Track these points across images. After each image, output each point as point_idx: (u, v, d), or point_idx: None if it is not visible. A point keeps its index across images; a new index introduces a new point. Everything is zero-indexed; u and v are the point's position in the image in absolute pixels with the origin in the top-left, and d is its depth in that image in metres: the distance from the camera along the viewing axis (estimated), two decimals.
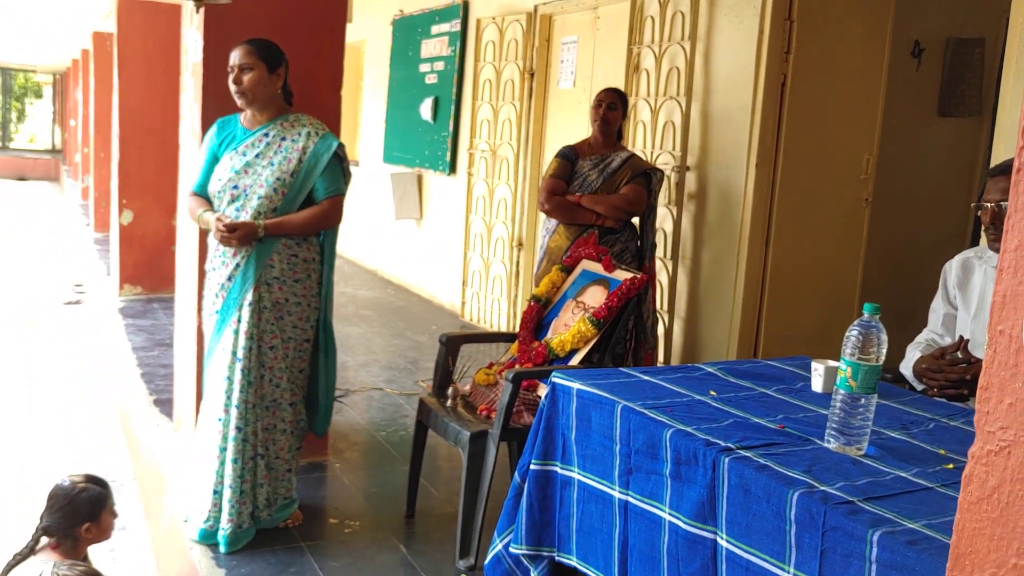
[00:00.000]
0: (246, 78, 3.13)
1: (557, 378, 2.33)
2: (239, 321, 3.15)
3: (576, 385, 2.26)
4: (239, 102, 3.17)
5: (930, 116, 5.43)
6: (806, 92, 4.49)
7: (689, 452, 1.88)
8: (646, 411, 2.06)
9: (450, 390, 3.34)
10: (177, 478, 3.66)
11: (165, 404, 4.56)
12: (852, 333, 1.86)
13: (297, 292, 3.22)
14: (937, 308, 2.85)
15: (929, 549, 1.42)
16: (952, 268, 2.82)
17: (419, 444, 3.44)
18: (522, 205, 6.46)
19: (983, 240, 3.37)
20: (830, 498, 1.60)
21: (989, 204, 2.51)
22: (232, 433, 3.14)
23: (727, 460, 1.79)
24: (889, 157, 4.94)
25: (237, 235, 3.07)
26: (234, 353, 3.15)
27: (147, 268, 7.39)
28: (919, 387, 2.64)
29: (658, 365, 4.98)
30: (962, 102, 5.44)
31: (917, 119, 5.34)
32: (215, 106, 3.46)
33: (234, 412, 3.14)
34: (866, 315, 1.87)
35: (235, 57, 3.14)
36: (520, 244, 6.49)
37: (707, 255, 4.79)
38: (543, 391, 3.21)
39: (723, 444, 1.85)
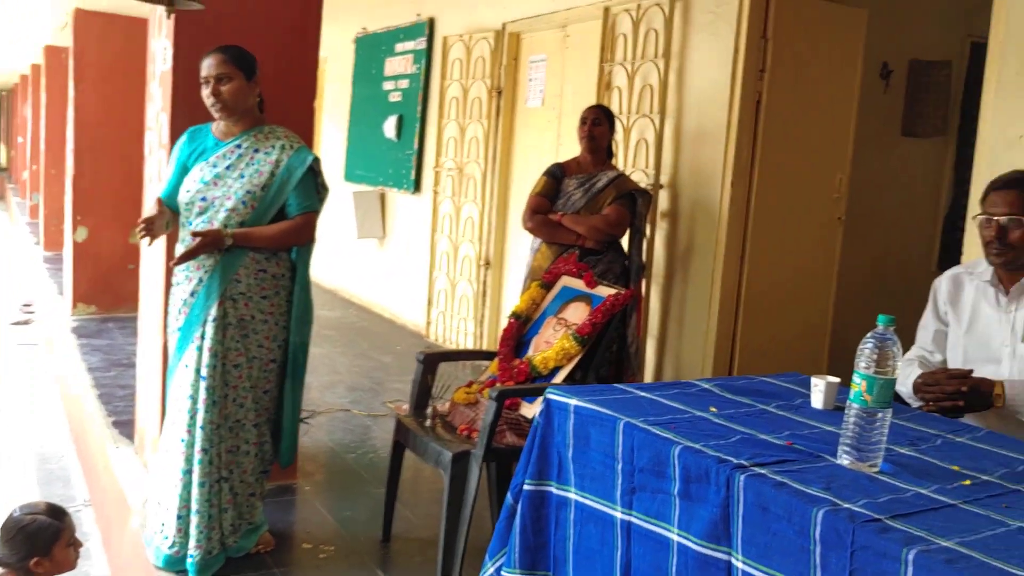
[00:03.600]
0: (225, 88, 3.01)
1: (552, 394, 2.25)
2: (203, 337, 3.02)
3: (573, 401, 2.18)
4: (218, 114, 3.06)
5: (898, 136, 5.48)
6: (781, 111, 4.48)
7: (700, 469, 1.81)
8: (650, 428, 1.98)
9: (429, 409, 3.24)
10: (139, 502, 3.50)
11: (125, 426, 4.38)
12: (866, 346, 1.81)
13: (264, 309, 3.10)
14: (927, 325, 2.82)
15: (969, 568, 1.36)
16: (942, 284, 2.79)
17: (396, 465, 3.33)
18: (490, 224, 6.39)
19: (965, 256, 3.38)
20: (856, 516, 1.54)
21: (996, 218, 2.48)
22: (197, 455, 3.01)
23: (743, 477, 1.72)
24: (859, 176, 4.96)
25: (202, 243, 2.94)
26: (198, 371, 3.02)
27: (102, 286, 7.17)
28: (914, 404, 2.60)
29: None
30: (927, 122, 5.50)
31: (886, 139, 5.39)
32: (186, 116, 3.34)
33: (199, 433, 3.01)
34: (880, 327, 1.82)
35: (209, 67, 3.02)
36: (488, 263, 6.41)
37: (681, 273, 4.76)
38: (525, 410, 3.14)
39: (736, 461, 1.78)
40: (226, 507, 3.08)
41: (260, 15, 3.53)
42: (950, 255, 5.63)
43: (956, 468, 1.85)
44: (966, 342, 2.68)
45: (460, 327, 6.65)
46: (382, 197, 8.00)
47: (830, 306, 4.86)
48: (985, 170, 3.27)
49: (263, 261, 3.08)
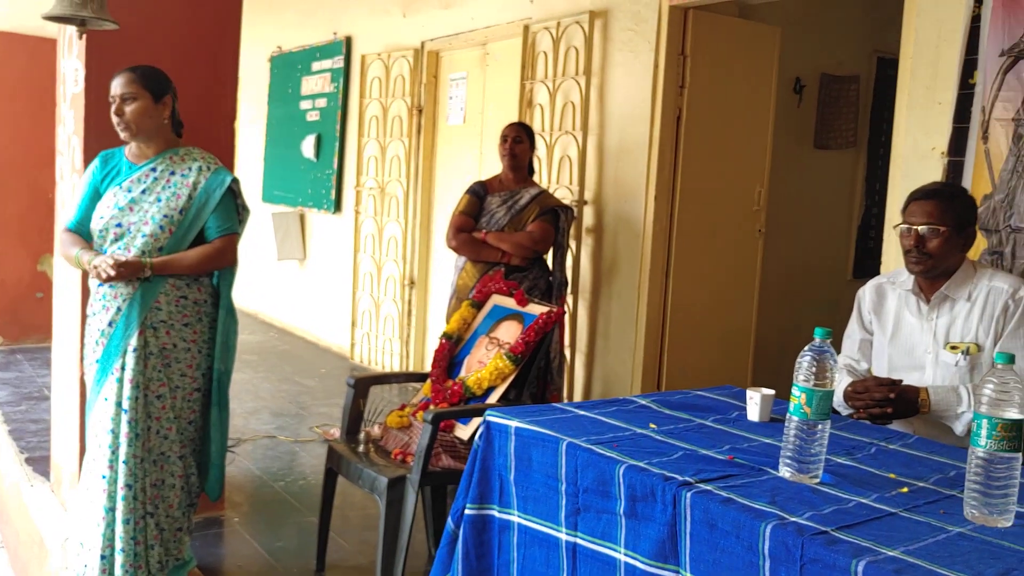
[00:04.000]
0: (129, 109, 2.92)
1: (492, 416, 2.23)
2: (123, 369, 2.91)
3: (514, 423, 2.16)
4: (122, 135, 2.97)
5: (811, 149, 5.63)
6: (701, 126, 4.55)
7: (646, 488, 1.80)
8: (593, 447, 1.97)
9: (362, 435, 3.18)
10: (59, 543, 3.35)
11: (40, 462, 4.20)
12: (804, 359, 1.83)
13: (186, 337, 3.00)
14: (852, 334, 2.88)
15: None
16: (866, 294, 2.86)
17: (328, 493, 3.25)
18: (413, 243, 6.34)
19: (884, 266, 3.47)
20: (804, 529, 1.55)
21: (915, 227, 2.55)
22: (121, 491, 2.89)
23: (689, 495, 1.72)
24: (776, 189, 5.06)
25: (120, 273, 2.84)
26: (119, 404, 2.91)
27: (9, 317, 6.87)
28: (844, 412, 2.65)
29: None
30: (839, 135, 5.66)
31: (800, 152, 5.52)
32: (99, 139, 3.22)
33: (122, 468, 2.89)
34: (817, 340, 1.84)
35: (116, 86, 2.93)
36: (412, 282, 6.35)
37: (607, 289, 4.78)
38: (460, 432, 3.10)
39: (681, 478, 1.78)
40: (152, 544, 2.97)
41: (176, 34, 3.44)
42: (864, 264, 5.79)
43: (893, 476, 1.89)
44: (891, 350, 2.75)
45: (385, 348, 6.57)
46: (302, 218, 7.88)
47: (753, 316, 4.94)
48: (900, 181, 3.37)
49: (184, 287, 2.99)
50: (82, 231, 3.03)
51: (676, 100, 4.49)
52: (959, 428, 2.50)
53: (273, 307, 8.44)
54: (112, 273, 2.83)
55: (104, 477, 2.91)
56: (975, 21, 3.17)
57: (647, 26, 4.50)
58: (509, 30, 5.38)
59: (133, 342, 2.91)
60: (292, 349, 7.41)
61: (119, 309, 2.93)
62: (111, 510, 2.91)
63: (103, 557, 2.90)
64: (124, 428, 2.89)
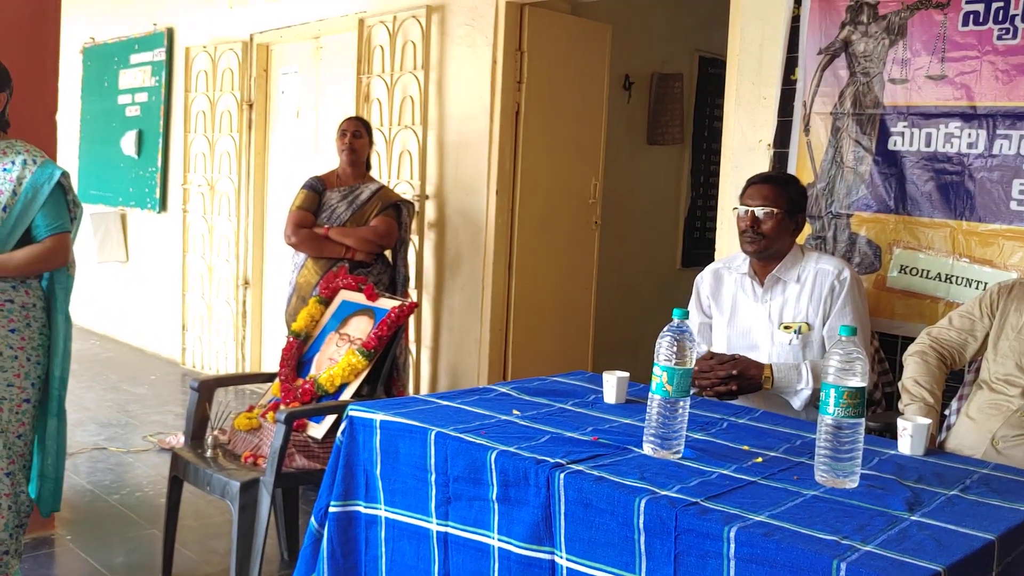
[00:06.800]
0: None
1: (355, 411, 2.19)
2: None
3: (379, 416, 2.13)
4: None
5: (641, 144, 5.83)
6: (539, 121, 4.63)
7: (519, 472, 1.82)
8: (462, 435, 1.98)
9: (210, 439, 3.06)
10: None
11: None
12: (664, 339, 1.90)
13: (12, 344, 2.79)
14: (692, 318, 3.01)
15: (785, 538, 1.46)
16: (704, 280, 3.00)
17: (174, 503, 3.11)
18: (247, 241, 6.14)
19: (719, 252, 3.64)
20: (676, 502, 1.61)
21: (752, 208, 2.70)
22: None
23: (562, 476, 1.75)
24: (610, 183, 5.22)
25: None
26: None
27: None
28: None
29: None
30: (667, 131, 5.89)
31: (631, 147, 5.72)
32: None
33: None
34: (676, 320, 1.92)
35: None
36: (247, 282, 6.15)
37: (451, 283, 4.80)
38: (313, 430, 3.04)
39: (553, 460, 1.81)
40: None
41: None
42: (692, 254, 6.07)
43: (746, 448, 1.99)
44: (729, 332, 2.90)
45: (220, 351, 6.33)
46: (123, 218, 7.48)
47: (592, 306, 5.07)
48: (730, 172, 3.55)
49: (9, 291, 2.78)
50: None
51: (514, 95, 4.55)
52: (797, 404, 2.66)
53: (93, 312, 7.94)
54: None
55: None
56: (795, 21, 3.38)
57: (484, 21, 4.54)
58: (343, 23, 5.30)
59: None
60: (116, 356, 7.02)
61: None
62: None
63: None
64: None
